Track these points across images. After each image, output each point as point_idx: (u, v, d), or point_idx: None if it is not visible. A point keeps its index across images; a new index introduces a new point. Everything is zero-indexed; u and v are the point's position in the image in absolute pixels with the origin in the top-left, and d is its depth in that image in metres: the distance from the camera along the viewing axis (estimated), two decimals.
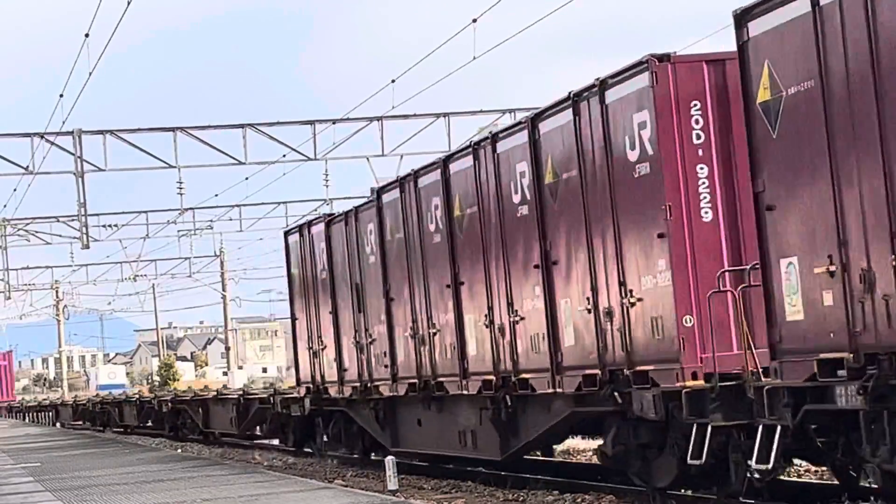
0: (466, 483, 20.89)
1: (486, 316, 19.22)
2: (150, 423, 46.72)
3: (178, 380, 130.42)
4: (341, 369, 25.55)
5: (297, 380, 28.43)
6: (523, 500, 18.06)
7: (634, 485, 16.95)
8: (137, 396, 50.53)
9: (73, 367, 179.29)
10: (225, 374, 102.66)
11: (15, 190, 66.50)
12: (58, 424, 64.26)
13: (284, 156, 40.75)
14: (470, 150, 19.60)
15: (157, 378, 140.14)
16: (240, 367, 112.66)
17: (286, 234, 29.22)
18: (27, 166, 38.59)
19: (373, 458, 25.83)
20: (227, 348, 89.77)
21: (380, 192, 23.27)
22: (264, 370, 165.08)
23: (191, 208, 57.20)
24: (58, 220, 57.36)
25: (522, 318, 18.20)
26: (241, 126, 39.63)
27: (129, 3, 25.35)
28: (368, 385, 24.14)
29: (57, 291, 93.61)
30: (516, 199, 18.14)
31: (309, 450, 30.17)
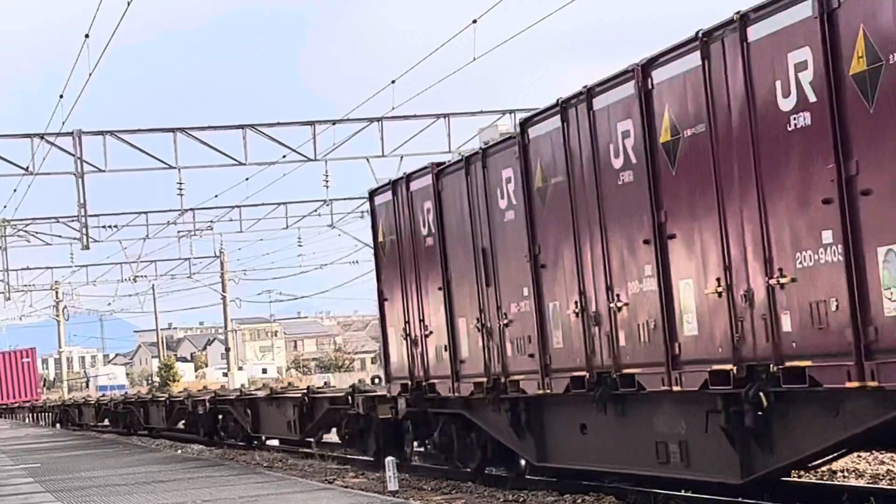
0: (466, 484, 20.87)
1: (719, 280, 13.75)
2: (180, 426, 42.28)
3: (177, 380, 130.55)
4: (456, 361, 20.20)
5: (387, 375, 23.19)
6: (523, 501, 18.05)
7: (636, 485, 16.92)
8: (167, 396, 45.32)
9: (72, 368, 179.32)
10: (225, 374, 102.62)
11: (15, 190, 66.78)
12: (55, 426, 64.17)
13: (284, 156, 40.79)
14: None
15: (157, 379, 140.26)
16: (240, 368, 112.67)
17: (372, 193, 23.21)
18: (27, 167, 38.61)
19: (492, 472, 21.13)
20: (227, 349, 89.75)
21: (524, 125, 17.51)
22: (264, 371, 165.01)
23: (191, 209, 57.37)
24: (58, 221, 57.44)
25: (794, 281, 12.74)
26: (241, 127, 39.66)
27: (129, 4, 25.35)
28: (502, 380, 18.74)
29: (57, 292, 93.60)
30: None
31: (393, 459, 23.27)
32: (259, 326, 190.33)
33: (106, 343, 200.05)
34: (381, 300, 22.98)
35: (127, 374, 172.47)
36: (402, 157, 42.14)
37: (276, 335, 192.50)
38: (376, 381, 32.42)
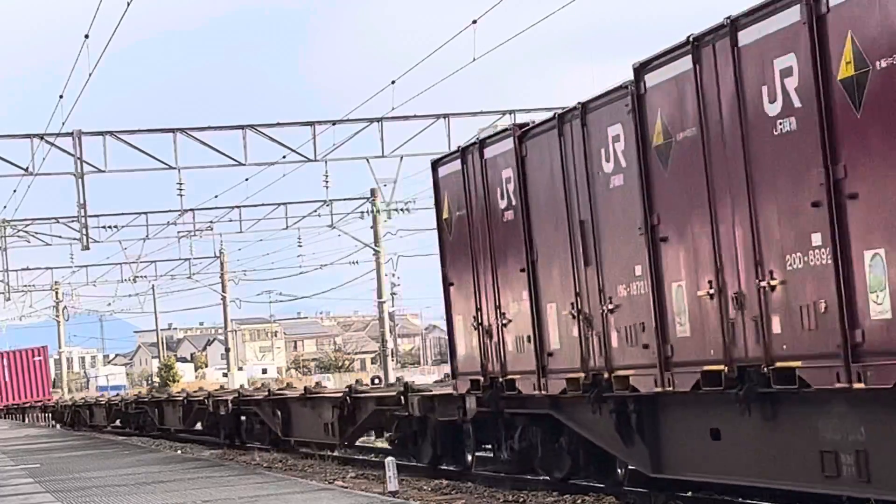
0: (466, 484, 20.87)
1: None
2: (198, 427, 40.13)
3: (177, 381, 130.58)
4: (542, 353, 17.49)
5: (453, 370, 20.41)
6: (523, 501, 18.05)
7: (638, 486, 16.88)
8: (185, 395, 42.02)
9: (72, 369, 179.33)
10: (225, 375, 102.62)
11: (15, 191, 66.65)
12: (58, 426, 64.14)
13: (284, 157, 40.78)
14: None
15: (156, 379, 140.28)
16: (240, 369, 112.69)
17: (435, 164, 20.54)
18: (27, 167, 38.58)
19: (584, 483, 18.58)
20: (227, 349, 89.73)
21: (639, 72, 14.77)
22: (264, 371, 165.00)
23: (191, 209, 57.41)
24: (58, 222, 57.49)
25: None
26: (241, 127, 39.64)
27: (128, 4, 25.36)
28: (604, 376, 16.03)
29: (57, 292, 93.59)
30: None
31: (450, 467, 22.61)
32: (259, 327, 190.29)
33: (106, 343, 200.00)
34: (446, 285, 20.23)
35: (127, 375, 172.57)
36: (402, 158, 42.19)
37: (276, 335, 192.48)
38: (376, 381, 32.31)
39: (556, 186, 16.86)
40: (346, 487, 20.61)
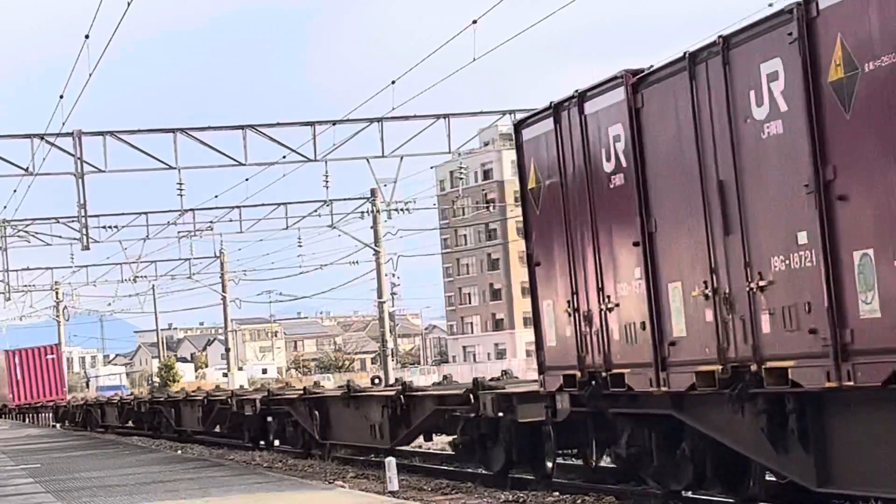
0: (466, 484, 20.86)
1: None
2: (218, 429, 37.56)
3: (178, 381, 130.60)
4: (661, 343, 14.75)
5: (540, 364, 17.42)
6: (524, 501, 18.05)
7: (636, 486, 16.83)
8: (205, 395, 39.26)
9: (72, 369, 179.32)
10: (225, 375, 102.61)
11: (15, 191, 67.05)
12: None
13: (284, 157, 40.81)
14: None
15: (157, 379, 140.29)
16: (240, 369, 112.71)
17: (519, 125, 17.63)
18: (27, 167, 38.60)
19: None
20: (227, 349, 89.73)
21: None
22: (264, 371, 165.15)
23: (191, 209, 57.48)
24: (58, 222, 57.52)
25: None
26: (241, 127, 39.66)
27: (129, 5, 25.38)
28: (751, 368, 13.32)
29: (57, 292, 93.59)
30: None
31: (528, 476, 19.92)
32: (259, 327, 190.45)
33: (106, 343, 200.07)
34: (532, 265, 17.45)
35: (127, 375, 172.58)
36: (402, 158, 42.25)
37: (276, 335, 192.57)
38: (376, 381, 31.95)
39: (683, 142, 14.15)
40: (347, 487, 20.61)
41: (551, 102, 16.56)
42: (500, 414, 19.45)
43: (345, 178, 70.96)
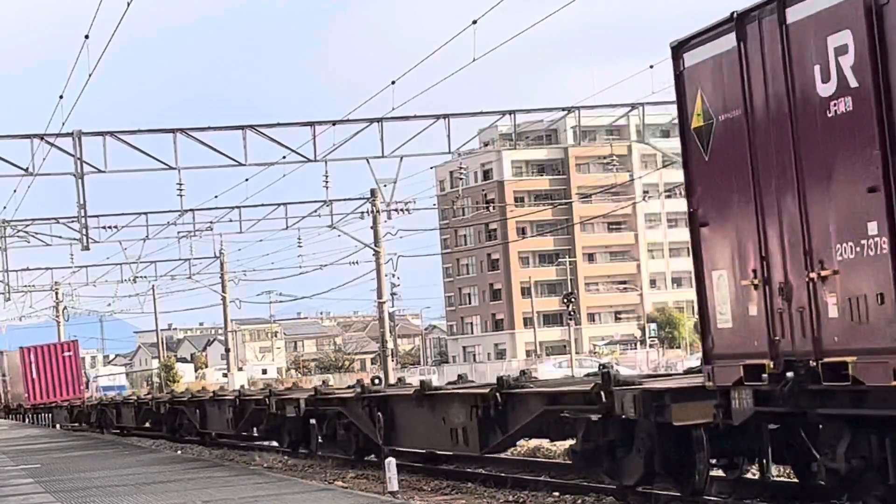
0: (466, 484, 20.85)
1: None
2: (248, 432, 34.64)
3: (178, 381, 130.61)
4: None
5: (706, 352, 13.94)
6: (523, 501, 18.04)
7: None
8: (237, 394, 35.34)
9: None
10: (225, 375, 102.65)
11: (15, 191, 67.00)
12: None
13: (284, 157, 40.83)
14: None
15: (157, 379, 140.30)
16: (240, 369, 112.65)
17: (679, 48, 14.06)
18: (27, 168, 38.59)
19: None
20: (227, 350, 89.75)
21: None
22: (264, 372, 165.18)
23: (191, 210, 57.44)
24: (58, 222, 57.50)
25: None
26: (241, 127, 39.65)
27: (128, 5, 25.37)
28: None
29: (57, 293, 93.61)
30: None
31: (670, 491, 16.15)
32: (259, 327, 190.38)
33: (106, 344, 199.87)
34: (696, 226, 14.04)
35: (127, 375, 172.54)
36: (401, 158, 42.26)
37: (276, 336, 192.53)
38: (376, 381, 31.64)
39: None
40: (347, 488, 20.60)
41: (733, 13, 13.14)
42: (643, 416, 15.68)
43: (345, 178, 71.01)
